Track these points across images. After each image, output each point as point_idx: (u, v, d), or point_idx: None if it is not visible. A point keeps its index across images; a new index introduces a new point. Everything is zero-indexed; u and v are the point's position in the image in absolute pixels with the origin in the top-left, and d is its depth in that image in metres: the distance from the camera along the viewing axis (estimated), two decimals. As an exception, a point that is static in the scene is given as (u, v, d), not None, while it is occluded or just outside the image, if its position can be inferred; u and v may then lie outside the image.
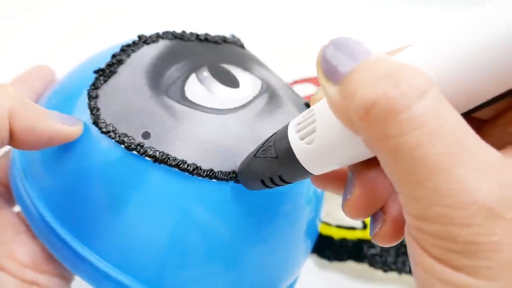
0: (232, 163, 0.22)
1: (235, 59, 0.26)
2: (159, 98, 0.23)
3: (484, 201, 0.12)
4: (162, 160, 0.21)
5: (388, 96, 0.13)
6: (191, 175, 0.21)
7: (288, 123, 0.19)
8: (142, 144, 0.21)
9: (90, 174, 0.22)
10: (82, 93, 0.23)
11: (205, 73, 0.24)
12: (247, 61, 0.27)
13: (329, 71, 0.15)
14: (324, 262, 0.36)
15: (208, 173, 0.21)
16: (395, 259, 0.34)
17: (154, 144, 0.21)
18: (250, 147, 0.22)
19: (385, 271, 0.34)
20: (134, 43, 0.25)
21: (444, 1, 0.63)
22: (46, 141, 0.22)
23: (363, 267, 0.35)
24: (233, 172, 0.22)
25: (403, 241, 0.34)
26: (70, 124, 0.22)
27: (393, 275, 0.35)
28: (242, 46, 0.29)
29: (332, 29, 0.62)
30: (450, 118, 0.13)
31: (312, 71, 0.54)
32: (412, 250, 0.14)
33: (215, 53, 0.26)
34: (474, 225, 0.12)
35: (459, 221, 0.12)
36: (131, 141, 0.21)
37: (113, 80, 0.23)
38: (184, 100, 0.23)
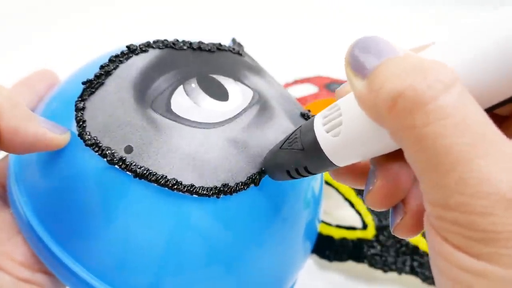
0: (214, 179, 0.22)
1: (228, 68, 0.26)
2: (144, 111, 0.22)
3: (504, 192, 0.13)
4: (142, 175, 0.21)
5: (415, 87, 0.13)
6: (171, 191, 0.21)
7: (314, 116, 0.20)
8: (124, 158, 0.21)
9: (74, 184, 0.22)
10: (71, 104, 0.23)
11: (193, 85, 0.24)
12: (240, 70, 0.26)
13: (357, 66, 0.15)
14: (324, 262, 0.36)
15: (189, 188, 0.21)
16: (395, 259, 0.34)
17: (136, 158, 0.21)
18: (234, 162, 0.22)
19: (385, 271, 0.34)
20: (122, 53, 0.24)
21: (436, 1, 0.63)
22: (30, 146, 0.21)
23: (363, 267, 0.35)
24: (215, 187, 0.22)
25: (403, 241, 0.34)
26: (57, 132, 0.22)
27: (393, 275, 0.35)
28: (238, 53, 0.28)
29: (332, 29, 0.62)
30: (473, 111, 0.13)
31: (312, 71, 0.55)
32: (432, 239, 0.15)
33: (207, 63, 0.25)
34: (493, 214, 0.13)
35: (479, 209, 0.13)
36: (113, 155, 0.21)
37: (100, 92, 0.23)
38: (168, 113, 0.22)
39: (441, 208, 0.14)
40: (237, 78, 0.25)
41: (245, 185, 0.22)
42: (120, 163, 0.21)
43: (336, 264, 0.36)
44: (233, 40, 0.29)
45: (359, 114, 0.17)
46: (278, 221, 0.25)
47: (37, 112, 0.26)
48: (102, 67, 0.24)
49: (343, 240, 0.35)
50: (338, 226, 0.36)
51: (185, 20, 0.62)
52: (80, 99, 0.23)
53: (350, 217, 0.36)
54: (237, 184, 0.22)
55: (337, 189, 0.37)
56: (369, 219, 0.35)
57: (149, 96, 0.23)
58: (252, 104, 0.24)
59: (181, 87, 0.23)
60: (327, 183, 0.37)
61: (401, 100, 0.14)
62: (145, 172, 0.21)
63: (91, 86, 0.23)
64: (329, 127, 0.18)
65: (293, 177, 0.21)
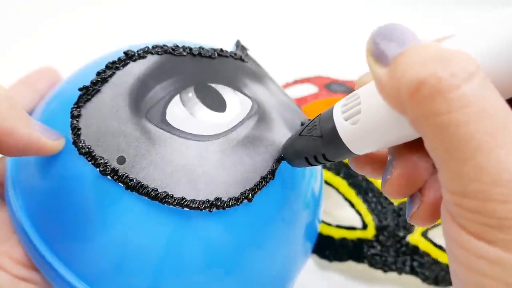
0: (208, 192, 0.21)
1: (227, 76, 0.25)
2: (138, 121, 0.22)
3: None
4: (133, 187, 0.21)
5: (438, 75, 0.14)
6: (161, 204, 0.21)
7: (334, 105, 0.20)
8: (116, 169, 0.21)
9: (67, 192, 0.22)
10: (69, 108, 0.23)
11: (190, 94, 0.23)
12: (241, 78, 0.26)
13: (378, 53, 0.16)
14: (324, 262, 0.36)
15: (179, 201, 0.21)
16: (395, 259, 0.34)
17: (128, 169, 0.21)
18: (228, 176, 0.22)
19: (385, 271, 0.34)
20: (120, 60, 0.24)
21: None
22: (22, 149, 0.21)
23: (363, 267, 0.35)
24: (208, 201, 0.21)
25: (403, 241, 0.34)
26: (51, 138, 0.22)
27: (393, 275, 0.35)
28: (240, 58, 0.27)
29: (332, 29, 0.62)
30: (495, 101, 0.14)
31: (312, 71, 0.54)
32: (448, 227, 0.15)
33: (206, 70, 0.25)
34: (511, 202, 0.13)
35: (497, 197, 0.13)
36: (107, 165, 0.21)
37: (96, 99, 0.23)
38: (163, 123, 0.22)
39: (460, 195, 0.14)
40: (237, 87, 0.25)
41: (237, 200, 0.22)
42: (112, 174, 0.21)
43: (336, 264, 0.36)
44: (237, 43, 0.28)
45: (379, 103, 0.17)
46: (278, 223, 0.24)
47: (37, 112, 0.26)
48: (98, 73, 0.23)
49: (343, 240, 0.35)
50: (338, 226, 0.36)
51: (186, 19, 0.62)
52: (75, 106, 0.22)
53: (350, 217, 0.36)
54: (230, 198, 0.22)
55: (337, 189, 0.37)
56: (369, 219, 0.35)
57: (144, 105, 0.22)
58: (250, 116, 0.24)
59: (177, 96, 0.23)
60: (327, 183, 0.37)
61: (423, 87, 0.14)
62: (136, 184, 0.21)
63: (87, 93, 0.23)
64: (348, 115, 0.19)
65: (311, 164, 0.22)
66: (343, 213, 0.37)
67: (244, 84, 0.25)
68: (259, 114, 0.24)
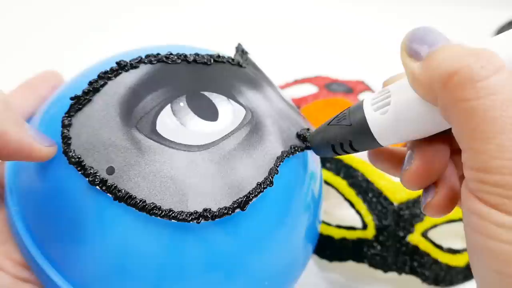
0: (196, 203, 0.21)
1: (222, 84, 0.25)
2: (128, 131, 0.22)
3: None
4: (121, 198, 0.21)
5: (470, 67, 0.16)
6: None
7: (363, 99, 0.21)
8: (105, 180, 0.21)
9: (58, 200, 0.22)
10: (59, 119, 0.23)
11: (182, 104, 0.23)
12: (236, 86, 0.25)
13: (413, 50, 0.18)
14: (324, 262, 0.36)
15: (167, 213, 0.21)
16: (395, 259, 0.34)
17: (117, 180, 0.21)
18: (218, 186, 0.22)
19: (385, 271, 0.34)
20: (112, 70, 0.24)
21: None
22: (11, 153, 0.21)
23: (363, 267, 0.35)
24: (196, 212, 0.21)
25: (403, 241, 0.34)
26: (43, 144, 0.22)
27: (393, 275, 0.35)
28: (238, 64, 0.26)
29: (332, 29, 0.62)
30: None
31: (312, 71, 0.54)
32: (468, 202, 0.17)
33: (200, 78, 0.25)
34: None
35: None
36: (96, 175, 0.21)
37: (87, 109, 0.23)
38: (153, 134, 0.22)
39: (483, 171, 0.16)
40: (231, 95, 0.25)
41: (229, 209, 0.21)
42: (101, 185, 0.21)
43: (336, 264, 0.36)
44: (238, 47, 0.28)
45: (408, 96, 0.19)
46: (278, 227, 0.24)
47: (36, 117, 0.26)
48: (90, 83, 0.23)
49: (343, 240, 0.35)
50: (338, 226, 0.36)
51: (185, 19, 0.62)
52: (67, 115, 0.22)
53: (350, 217, 0.36)
54: (220, 209, 0.21)
55: (337, 189, 0.37)
56: (369, 219, 0.35)
57: (135, 115, 0.22)
58: (242, 126, 0.24)
59: (168, 106, 0.23)
60: (327, 183, 0.37)
61: (456, 77, 0.16)
62: (124, 195, 0.21)
63: (79, 102, 0.23)
64: (377, 107, 0.20)
65: (337, 153, 0.23)
66: (343, 213, 0.37)
67: (239, 92, 0.25)
68: (252, 125, 0.24)
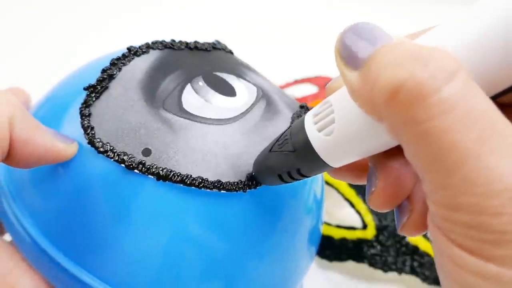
0: (238, 173, 0.22)
1: (227, 66, 0.26)
2: (156, 112, 0.22)
3: None
4: (166, 177, 0.20)
5: (416, 78, 0.12)
6: (197, 189, 0.21)
7: (304, 116, 0.19)
8: (143, 161, 0.20)
9: (89, 195, 0.21)
10: (71, 112, 0.22)
11: (201, 83, 0.24)
12: (239, 68, 0.27)
13: (348, 56, 0.14)
14: (324, 262, 0.36)
15: (216, 184, 0.21)
16: (395, 259, 0.34)
17: (156, 161, 0.21)
18: (253, 156, 0.22)
19: (385, 271, 0.34)
20: (124, 55, 0.24)
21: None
22: (40, 158, 0.20)
23: (363, 267, 0.35)
24: (241, 182, 0.21)
25: (403, 241, 0.34)
26: (66, 143, 0.21)
27: (393, 275, 0.35)
28: (230, 52, 0.28)
29: (332, 29, 0.62)
30: (480, 101, 0.12)
31: (312, 71, 0.54)
32: (438, 241, 0.14)
33: (207, 62, 0.26)
34: (506, 214, 0.12)
35: (490, 210, 0.12)
36: (132, 159, 0.20)
37: (105, 97, 0.22)
38: (182, 112, 0.22)
39: (448, 208, 0.13)
40: (239, 75, 0.26)
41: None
42: (140, 167, 0.20)
43: (336, 264, 0.36)
44: (218, 42, 0.28)
45: (353, 109, 0.15)
46: (279, 230, 0.24)
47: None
48: (104, 70, 0.23)
49: (343, 240, 0.35)
50: (338, 226, 0.36)
51: (186, 20, 0.62)
52: (84, 105, 0.22)
53: (350, 217, 0.36)
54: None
55: (337, 189, 0.37)
56: (369, 219, 0.35)
57: (159, 96, 0.22)
58: (259, 99, 0.25)
59: (189, 85, 0.23)
60: (327, 183, 0.37)
61: (400, 92, 0.12)
62: (168, 173, 0.20)
63: (95, 91, 0.22)
64: (321, 126, 0.17)
65: (285, 181, 0.20)
66: (343, 213, 0.37)
67: (243, 73, 0.26)
68: (266, 98, 0.25)
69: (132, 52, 0.24)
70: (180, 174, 0.20)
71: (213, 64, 0.26)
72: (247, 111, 0.24)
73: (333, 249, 0.35)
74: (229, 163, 0.22)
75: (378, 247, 0.34)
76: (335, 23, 0.63)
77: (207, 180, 0.21)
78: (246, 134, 0.23)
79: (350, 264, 0.35)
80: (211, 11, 0.65)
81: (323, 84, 0.59)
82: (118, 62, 0.23)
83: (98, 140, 0.21)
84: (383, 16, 0.62)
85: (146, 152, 0.21)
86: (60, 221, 0.22)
